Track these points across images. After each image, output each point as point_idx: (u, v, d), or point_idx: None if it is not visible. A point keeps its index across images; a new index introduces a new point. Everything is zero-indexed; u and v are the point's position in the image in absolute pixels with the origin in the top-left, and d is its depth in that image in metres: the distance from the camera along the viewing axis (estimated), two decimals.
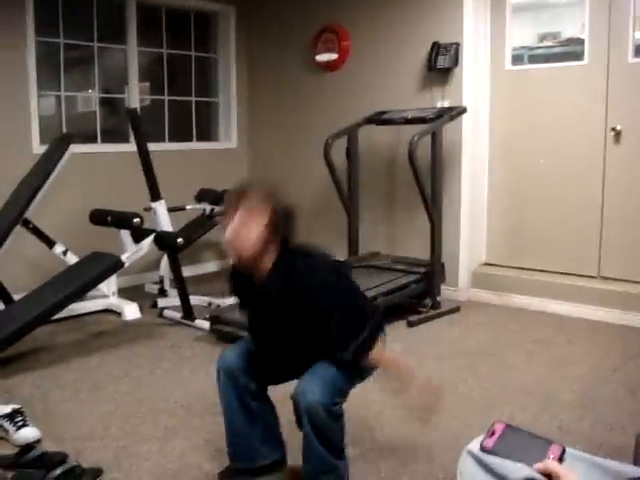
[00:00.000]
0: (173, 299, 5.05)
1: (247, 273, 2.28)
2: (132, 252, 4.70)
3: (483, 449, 1.26)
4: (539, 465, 1.15)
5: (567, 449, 1.22)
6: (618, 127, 4.74)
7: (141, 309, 4.97)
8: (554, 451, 1.21)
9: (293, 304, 2.22)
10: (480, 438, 1.29)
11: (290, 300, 2.22)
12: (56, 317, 4.32)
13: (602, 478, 1.25)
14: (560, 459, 1.19)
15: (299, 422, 2.24)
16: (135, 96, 5.93)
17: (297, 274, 2.21)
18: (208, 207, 5.51)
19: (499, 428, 1.28)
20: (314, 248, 2.37)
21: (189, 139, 6.45)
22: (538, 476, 1.16)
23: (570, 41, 5.01)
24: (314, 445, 2.19)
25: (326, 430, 2.19)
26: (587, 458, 1.28)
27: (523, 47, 5.24)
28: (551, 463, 1.15)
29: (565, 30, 5.07)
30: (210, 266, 6.47)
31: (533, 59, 5.21)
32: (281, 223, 2.19)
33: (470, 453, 1.30)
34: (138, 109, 5.57)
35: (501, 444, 1.25)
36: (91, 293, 4.73)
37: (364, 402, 3.13)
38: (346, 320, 2.22)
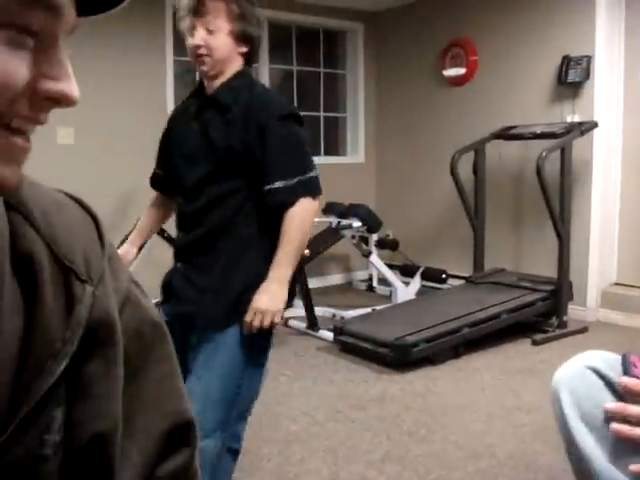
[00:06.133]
0: (298, 310, 5.17)
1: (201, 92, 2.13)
2: None
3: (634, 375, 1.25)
4: None
5: None
6: None
7: None
8: None
9: (231, 120, 2.03)
10: (594, 355, 1.31)
11: (231, 113, 2.03)
12: None
13: None
14: None
15: None
16: None
17: (253, 93, 2.06)
18: (335, 220, 5.62)
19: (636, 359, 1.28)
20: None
21: (317, 154, 6.59)
22: None
23: None
24: None
25: None
26: None
27: None
28: None
29: None
30: (335, 279, 6.58)
31: None
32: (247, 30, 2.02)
33: (593, 369, 1.33)
34: None
35: None
36: None
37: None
38: (290, 155, 2.02)
